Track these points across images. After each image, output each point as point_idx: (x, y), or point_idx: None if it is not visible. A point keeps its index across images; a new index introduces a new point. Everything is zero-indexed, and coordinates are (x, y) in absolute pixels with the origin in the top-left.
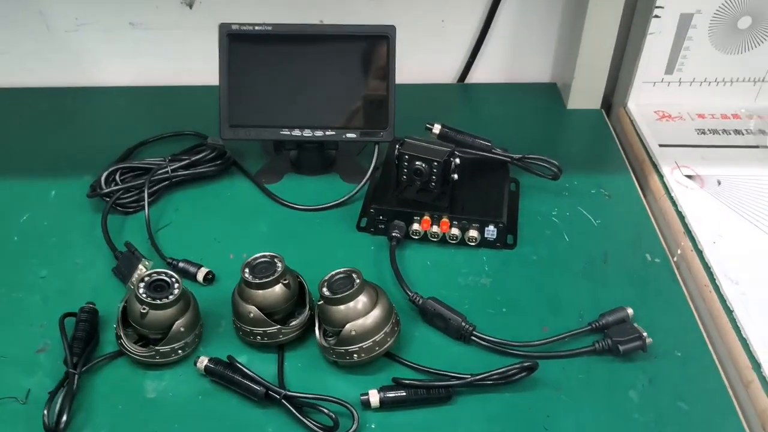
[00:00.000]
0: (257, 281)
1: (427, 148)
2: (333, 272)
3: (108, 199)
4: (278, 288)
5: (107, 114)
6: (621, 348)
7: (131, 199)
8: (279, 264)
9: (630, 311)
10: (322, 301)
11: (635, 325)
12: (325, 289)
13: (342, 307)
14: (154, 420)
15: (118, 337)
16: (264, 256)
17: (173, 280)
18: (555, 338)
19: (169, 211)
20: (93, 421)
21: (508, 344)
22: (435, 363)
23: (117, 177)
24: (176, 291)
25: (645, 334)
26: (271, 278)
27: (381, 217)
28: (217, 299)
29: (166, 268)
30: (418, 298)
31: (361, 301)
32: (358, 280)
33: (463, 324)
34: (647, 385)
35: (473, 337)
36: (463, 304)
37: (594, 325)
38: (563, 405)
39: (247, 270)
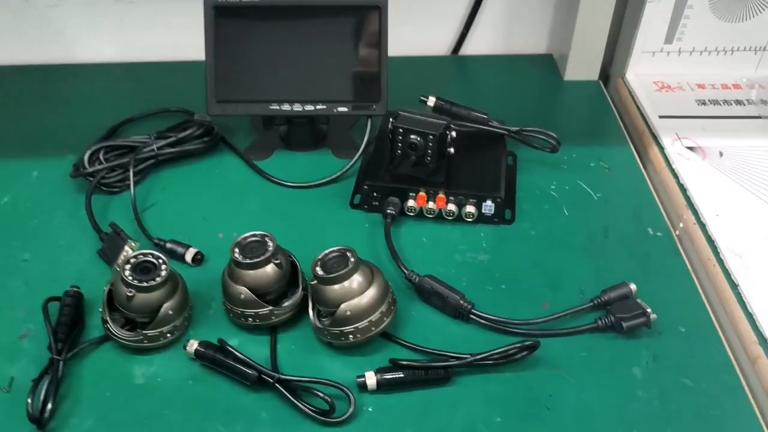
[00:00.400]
0: (248, 261)
1: (422, 122)
2: (326, 251)
3: (92, 178)
4: (269, 268)
5: (90, 91)
6: (624, 325)
7: (116, 178)
8: (270, 243)
9: (633, 287)
10: (315, 281)
11: (639, 300)
12: (318, 269)
13: (336, 286)
14: (143, 406)
15: (104, 322)
16: (254, 235)
17: (160, 261)
18: (556, 315)
19: (155, 190)
20: (79, 408)
21: (508, 322)
22: (433, 343)
23: (101, 156)
24: (163, 273)
25: (649, 310)
26: (262, 258)
27: (375, 194)
28: (206, 280)
29: (153, 249)
30: (414, 276)
31: (356, 280)
32: (352, 259)
33: (462, 302)
34: (651, 361)
35: (472, 316)
36: (461, 282)
37: (596, 302)
38: (565, 383)
39: (236, 250)
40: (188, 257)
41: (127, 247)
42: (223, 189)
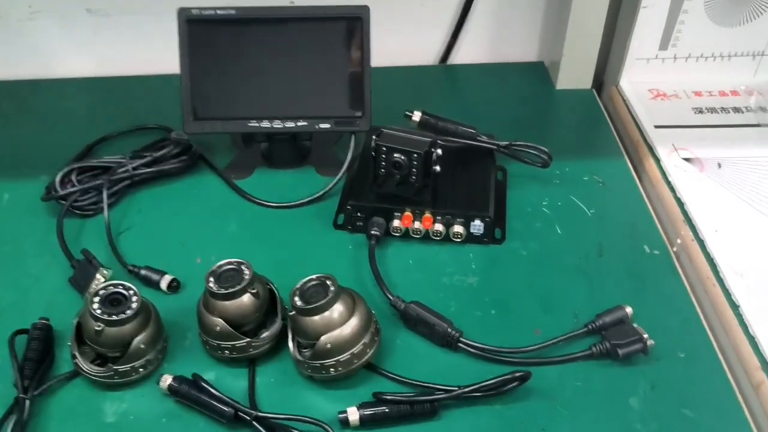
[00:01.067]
0: (223, 291)
1: (406, 139)
2: (305, 279)
3: (64, 202)
4: (246, 298)
5: (65, 108)
6: (620, 351)
7: (90, 201)
8: (246, 271)
9: (629, 310)
10: (294, 312)
11: (635, 325)
12: (297, 299)
13: (316, 317)
14: None
15: (73, 357)
16: (230, 263)
17: (131, 292)
18: (548, 343)
19: (131, 212)
20: None
21: (497, 351)
22: (419, 374)
23: (73, 177)
24: (134, 305)
25: (646, 335)
26: (238, 288)
27: (359, 214)
28: (183, 309)
29: (126, 275)
30: (399, 303)
31: (337, 310)
32: (332, 288)
33: (449, 330)
34: (649, 391)
35: (460, 344)
36: (449, 307)
37: (590, 327)
38: (559, 416)
39: (211, 279)
40: (163, 285)
41: (98, 275)
42: (201, 210)
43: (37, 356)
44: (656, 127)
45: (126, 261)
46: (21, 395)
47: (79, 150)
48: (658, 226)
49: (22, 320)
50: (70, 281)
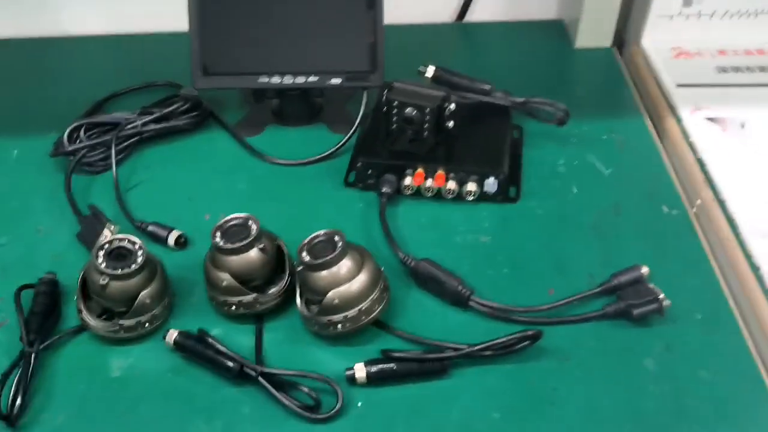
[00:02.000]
0: (229, 246)
1: (418, 94)
2: (313, 235)
3: (72, 157)
4: (253, 253)
5: (75, 65)
6: (635, 312)
7: (98, 157)
8: (253, 226)
9: (645, 270)
10: (301, 267)
11: (651, 285)
12: (304, 254)
13: (324, 273)
14: (119, 401)
15: (79, 311)
16: (237, 218)
17: (136, 246)
18: (562, 302)
19: (140, 169)
20: (51, 403)
21: (509, 310)
22: (429, 332)
23: (81, 133)
24: (139, 259)
25: (662, 295)
26: (245, 242)
27: (370, 171)
28: (190, 265)
29: (134, 231)
30: (410, 260)
31: (345, 265)
32: (340, 243)
33: (460, 288)
34: (664, 352)
35: (471, 303)
36: (462, 265)
37: (605, 287)
38: (571, 376)
39: (218, 234)
40: (171, 240)
41: (105, 231)
42: (211, 167)
43: (43, 310)
44: (678, 86)
45: (134, 217)
46: (26, 348)
47: (89, 107)
48: (678, 187)
49: (29, 275)
50: (78, 237)
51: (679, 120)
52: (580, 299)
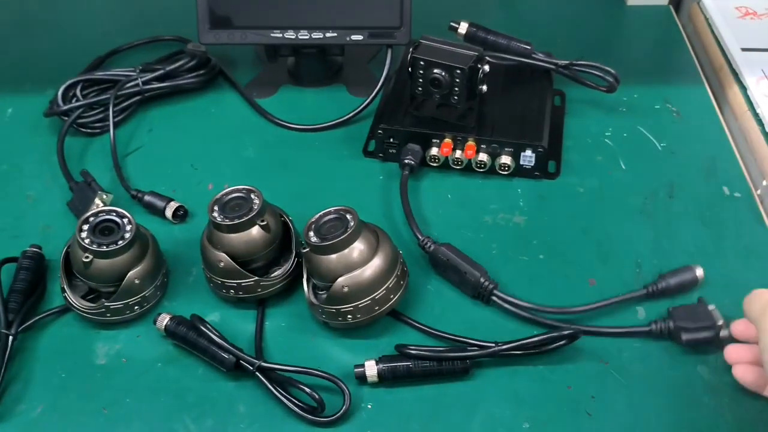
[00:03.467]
0: (228, 223)
1: (448, 53)
2: (322, 212)
3: (66, 118)
4: (254, 231)
5: (76, 18)
6: (684, 337)
7: (95, 117)
8: (256, 200)
9: (699, 273)
10: (308, 249)
11: (710, 308)
12: (311, 234)
13: (333, 256)
14: (102, 392)
15: (62, 290)
16: (237, 191)
17: (125, 220)
18: (597, 305)
19: (141, 132)
20: (29, 392)
21: (537, 309)
22: (452, 326)
23: (78, 92)
24: (127, 234)
25: (721, 322)
26: (245, 219)
27: (392, 140)
28: (189, 240)
29: (129, 201)
30: (428, 244)
31: (357, 248)
32: (352, 223)
33: (482, 280)
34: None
35: (494, 298)
36: (490, 249)
37: (651, 289)
38: (613, 384)
39: (216, 208)
40: (168, 213)
41: (97, 200)
42: (217, 131)
43: (25, 288)
44: (743, 50)
45: (130, 185)
46: (3, 330)
47: (90, 63)
48: (741, 165)
49: (15, 246)
50: (69, 206)
51: (744, 89)
52: (620, 302)
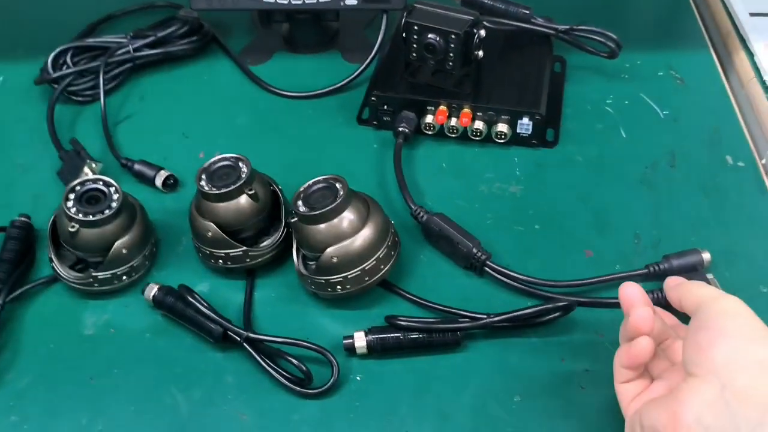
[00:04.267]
0: (215, 192)
1: (443, 17)
2: (311, 181)
3: (56, 85)
4: (243, 200)
5: None
6: None
7: (86, 85)
8: (244, 168)
9: (706, 256)
10: (296, 219)
11: (708, 276)
12: (300, 203)
13: (321, 226)
14: (90, 362)
15: (50, 260)
16: (225, 159)
17: (112, 189)
18: (595, 280)
19: (132, 99)
20: (18, 362)
21: (530, 282)
22: (445, 297)
23: (68, 59)
24: (114, 203)
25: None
26: (233, 187)
27: (386, 107)
28: (180, 209)
29: (119, 170)
30: (421, 214)
31: (347, 218)
32: (342, 191)
33: (475, 251)
34: None
35: (487, 269)
36: (485, 219)
37: (652, 269)
38: (607, 356)
39: (203, 177)
40: (158, 182)
41: (86, 169)
42: (210, 99)
43: (14, 257)
44: (752, 15)
45: (121, 153)
46: None
47: (81, 30)
48: (746, 134)
49: (4, 215)
50: (59, 174)
51: (751, 55)
52: (619, 279)
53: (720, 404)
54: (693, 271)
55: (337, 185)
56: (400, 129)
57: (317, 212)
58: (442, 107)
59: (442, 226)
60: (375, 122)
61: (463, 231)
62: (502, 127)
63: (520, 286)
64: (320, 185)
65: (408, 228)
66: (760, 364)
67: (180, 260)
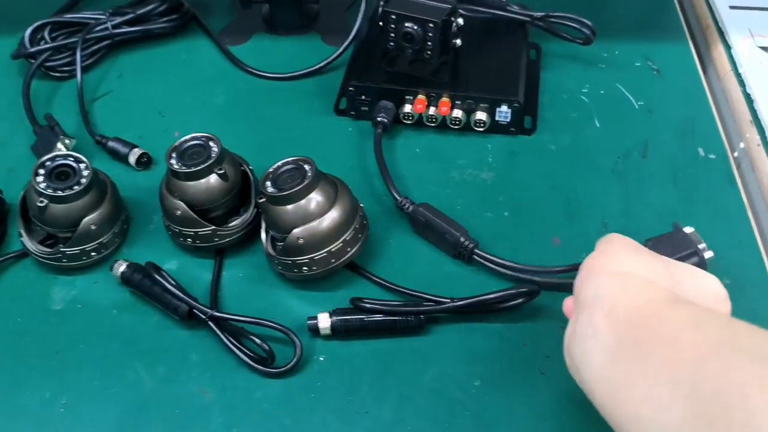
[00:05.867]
0: (184, 170)
1: (420, 6)
2: (280, 162)
3: (33, 60)
4: (212, 179)
5: None
6: None
7: (64, 61)
8: (214, 148)
9: (690, 232)
10: (263, 200)
11: (687, 231)
12: (268, 184)
13: (289, 207)
14: (56, 337)
15: (20, 235)
16: (196, 138)
17: (82, 165)
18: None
19: (110, 77)
20: None
21: (522, 269)
22: (412, 281)
23: (46, 34)
24: (84, 180)
25: (702, 245)
26: (202, 166)
27: (363, 97)
28: (152, 187)
29: (93, 147)
30: (407, 205)
31: (314, 199)
32: (309, 173)
33: (462, 240)
34: None
35: (475, 257)
36: (455, 205)
37: None
38: None
39: (173, 155)
40: (132, 159)
41: (59, 144)
42: (187, 78)
43: None
44: (732, 8)
45: (96, 131)
46: None
47: (60, 5)
48: (719, 126)
49: None
50: (33, 149)
51: (728, 48)
52: None
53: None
54: (675, 236)
55: (306, 167)
56: (379, 119)
57: (285, 193)
58: (421, 96)
59: (428, 216)
60: (353, 112)
61: (449, 220)
62: (481, 116)
63: (509, 272)
64: (289, 166)
65: (380, 212)
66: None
67: (151, 238)
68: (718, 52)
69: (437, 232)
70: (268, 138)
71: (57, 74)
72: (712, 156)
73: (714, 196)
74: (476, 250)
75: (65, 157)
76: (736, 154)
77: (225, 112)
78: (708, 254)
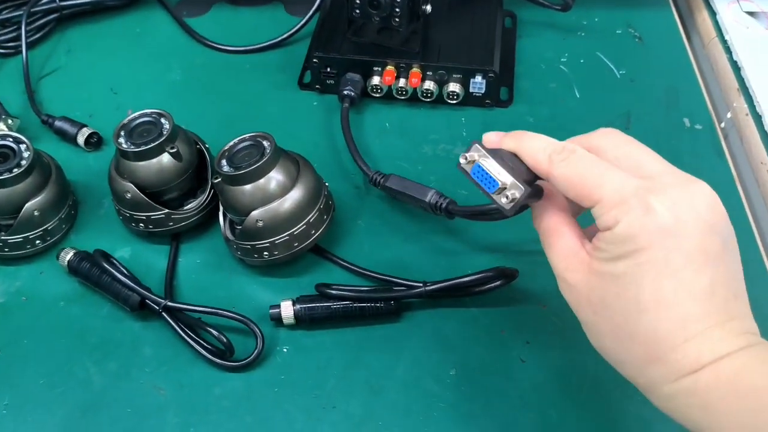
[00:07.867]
0: (133, 149)
1: None
2: (237, 139)
3: None
4: (165, 158)
5: None
6: None
7: (8, 36)
8: (166, 125)
9: None
10: (219, 180)
11: None
12: (224, 162)
13: (246, 187)
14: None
15: None
16: (146, 115)
17: (22, 146)
18: None
19: (58, 53)
20: None
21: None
22: (382, 265)
23: None
24: (24, 162)
25: None
26: (153, 145)
27: (329, 70)
28: (103, 170)
29: (39, 127)
30: (377, 179)
31: (274, 179)
32: (269, 150)
33: (434, 200)
34: None
35: (450, 212)
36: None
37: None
38: (550, 327)
39: (122, 134)
40: (81, 139)
41: (1, 125)
42: (142, 53)
43: None
44: None
45: (43, 110)
46: None
47: None
48: (705, 96)
49: None
50: None
51: (713, 13)
52: None
53: None
54: None
55: (264, 143)
56: (346, 93)
57: (241, 172)
58: (390, 67)
59: (399, 185)
60: (318, 86)
61: (418, 186)
62: (453, 87)
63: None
64: (246, 143)
65: (347, 192)
66: None
67: (101, 223)
68: (703, 17)
69: (412, 198)
70: (229, 115)
71: (1, 50)
72: (698, 126)
73: (701, 168)
74: (451, 206)
75: (4, 137)
76: (723, 124)
77: (182, 88)
78: None
